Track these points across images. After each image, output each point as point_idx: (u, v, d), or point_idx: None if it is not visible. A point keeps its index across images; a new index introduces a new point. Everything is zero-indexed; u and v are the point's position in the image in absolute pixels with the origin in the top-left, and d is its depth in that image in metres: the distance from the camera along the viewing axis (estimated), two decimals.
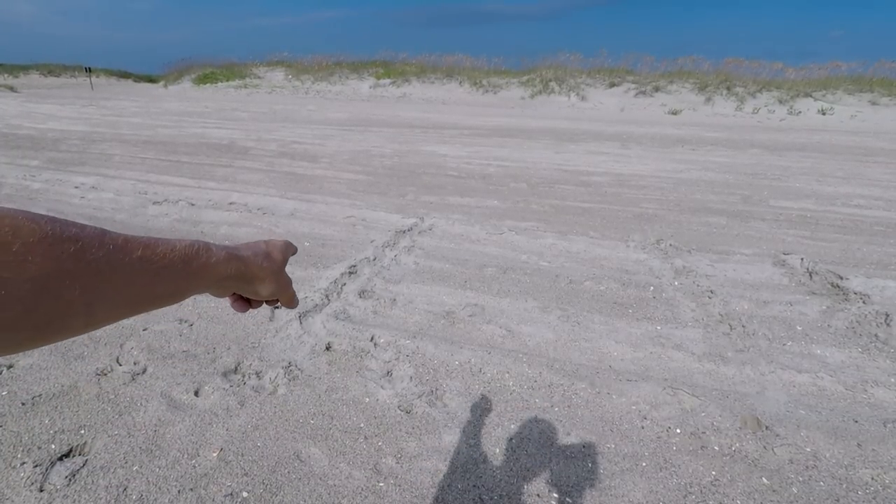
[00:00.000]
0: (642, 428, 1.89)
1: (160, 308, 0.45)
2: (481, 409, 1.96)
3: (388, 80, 20.32)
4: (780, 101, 15.48)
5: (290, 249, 0.65)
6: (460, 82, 19.40)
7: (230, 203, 4.66)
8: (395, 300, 2.84)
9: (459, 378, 2.15)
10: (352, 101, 17.97)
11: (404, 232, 3.95)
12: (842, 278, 3.20)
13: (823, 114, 14.58)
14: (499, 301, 2.86)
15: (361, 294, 2.88)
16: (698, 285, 3.12)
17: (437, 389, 2.07)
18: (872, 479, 1.68)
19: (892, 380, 2.22)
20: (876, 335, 2.58)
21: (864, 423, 1.94)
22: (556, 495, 1.59)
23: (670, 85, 16.98)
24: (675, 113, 15.40)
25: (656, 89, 16.86)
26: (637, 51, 20.68)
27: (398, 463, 1.69)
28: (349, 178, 5.80)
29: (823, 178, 6.46)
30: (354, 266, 3.22)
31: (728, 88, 16.29)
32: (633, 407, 1.99)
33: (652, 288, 3.09)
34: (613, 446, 1.80)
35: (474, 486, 1.61)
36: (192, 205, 4.58)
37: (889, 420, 1.95)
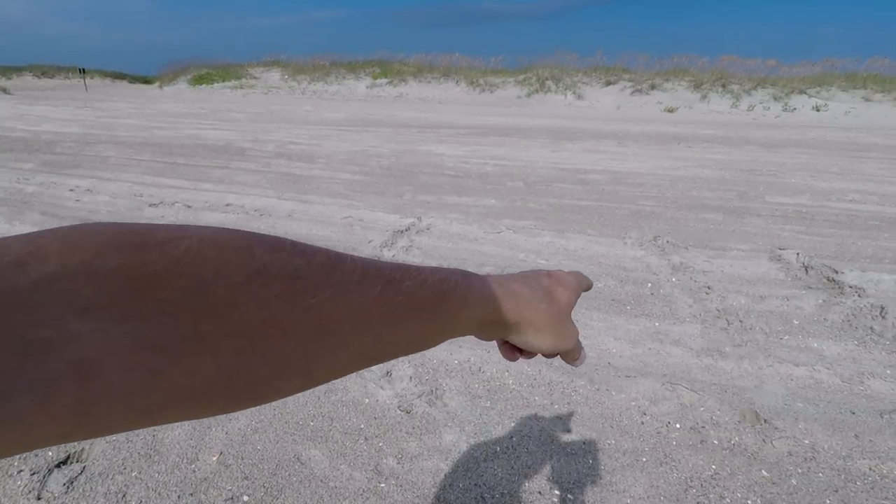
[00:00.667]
0: (642, 423, 1.90)
1: (393, 360, 0.35)
2: (481, 407, 1.97)
3: (384, 80, 20.32)
4: (775, 99, 15.54)
5: (582, 286, 0.50)
6: (457, 82, 19.41)
7: (227, 205, 4.66)
8: None
9: (459, 377, 2.16)
10: (348, 101, 17.96)
11: (402, 232, 3.95)
12: (837, 272, 3.22)
13: (818, 110, 14.63)
14: None
15: None
16: (695, 281, 3.13)
17: (436, 389, 2.08)
18: (870, 469, 1.69)
19: (888, 371, 2.23)
20: (871, 328, 2.59)
21: (861, 415, 1.95)
22: (557, 492, 1.60)
23: (666, 83, 17.02)
24: (671, 111, 15.44)
25: (652, 87, 16.90)
26: (633, 49, 20.75)
27: (399, 463, 1.69)
28: (346, 179, 5.80)
29: (818, 173, 6.49)
30: None
31: (723, 86, 16.34)
32: (633, 403, 2.00)
33: (650, 284, 3.10)
34: (613, 442, 1.81)
35: (476, 484, 1.62)
36: (189, 207, 4.57)
37: (885, 411, 1.97)
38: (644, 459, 1.73)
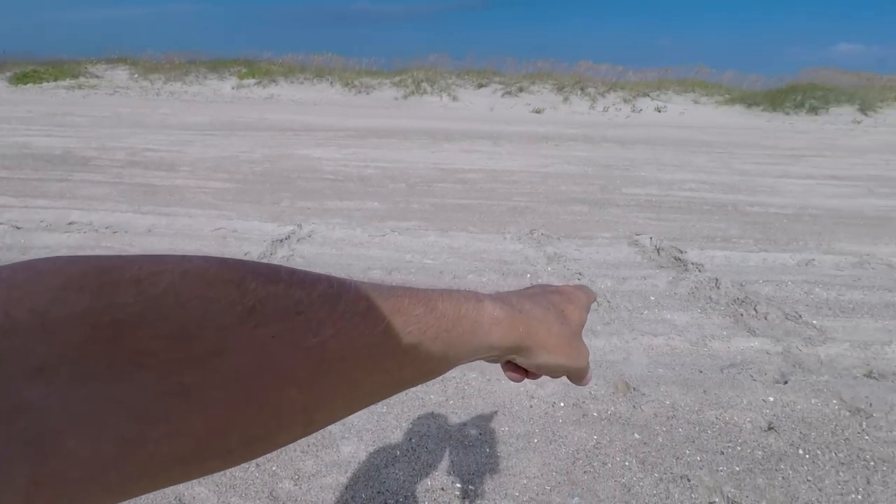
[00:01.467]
0: (531, 407, 2.02)
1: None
2: (378, 413, 1.95)
3: (252, 81, 19.22)
4: (625, 101, 17.31)
5: (591, 300, 0.47)
6: (332, 83, 18.98)
7: (69, 223, 4.10)
8: None
9: None
10: (213, 102, 16.73)
11: (282, 241, 3.78)
12: (682, 252, 3.69)
13: (659, 111, 16.59)
14: None
15: None
16: (568, 269, 3.39)
17: None
18: (717, 418, 1.97)
19: (724, 332, 2.61)
20: (710, 297, 3.01)
21: (707, 372, 2.26)
22: (459, 485, 1.64)
23: (532, 86, 18.17)
24: (538, 112, 16.52)
25: (521, 90, 17.94)
26: (501, 53, 21.85)
27: (296, 485, 1.62)
28: (215, 187, 5.40)
29: (663, 167, 7.36)
30: None
31: (582, 89, 17.84)
32: (521, 388, 2.12)
33: (529, 275, 3.30)
34: (507, 428, 1.90)
35: (378, 492, 1.60)
36: (19, 228, 3.95)
37: (724, 366, 2.30)
38: (535, 440, 1.84)
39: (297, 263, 3.36)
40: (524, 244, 3.89)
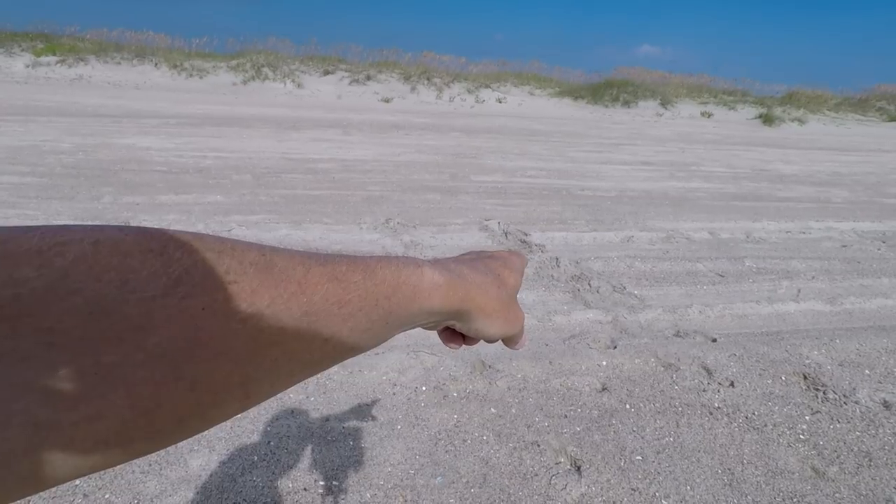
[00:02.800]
0: (394, 394, 2.04)
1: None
2: (232, 420, 1.82)
3: (53, 58, 16.30)
4: (469, 91, 18.13)
5: (524, 265, 0.48)
6: (156, 64, 16.89)
7: None
8: None
9: None
10: (0, 83, 13.89)
11: None
12: (527, 234, 4.00)
13: (500, 102, 17.68)
14: None
15: None
16: (425, 255, 3.48)
17: None
18: (561, 385, 2.18)
19: (565, 307, 2.89)
20: (552, 275, 3.32)
21: (552, 344, 2.49)
22: (322, 483, 1.60)
23: (380, 74, 18.12)
24: (387, 101, 16.55)
25: (368, 78, 17.78)
26: (346, 41, 21.37)
27: None
28: (11, 182, 4.52)
29: (506, 155, 7.88)
30: None
31: (428, 79, 18.26)
32: (384, 377, 2.13)
33: None
34: (371, 418, 1.90)
35: (235, 502, 1.50)
36: None
37: (565, 338, 2.56)
38: (399, 427, 1.87)
39: None
40: (381, 233, 3.89)
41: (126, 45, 17.57)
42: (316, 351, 0.27)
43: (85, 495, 1.48)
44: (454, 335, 0.43)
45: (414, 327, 0.35)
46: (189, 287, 0.21)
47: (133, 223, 3.66)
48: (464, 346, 0.44)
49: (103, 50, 17.00)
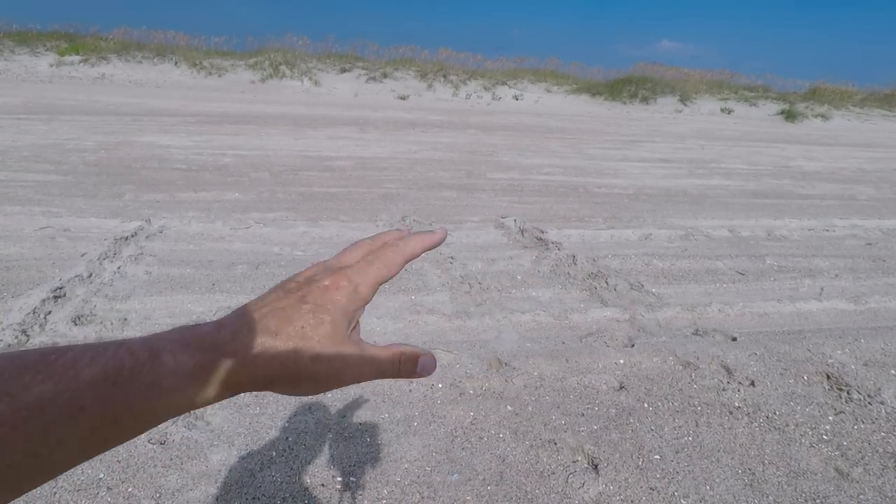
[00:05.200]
0: (410, 391, 2.04)
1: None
2: (250, 416, 1.84)
3: (77, 57, 16.63)
4: (485, 88, 18.06)
5: (381, 273, 0.40)
6: (176, 63, 17.14)
7: None
8: (125, 319, 2.42)
9: None
10: (25, 81, 14.21)
11: (127, 238, 3.36)
12: (543, 232, 3.98)
13: (517, 99, 17.58)
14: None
15: (77, 320, 2.37)
16: (441, 253, 3.48)
17: None
18: (578, 383, 2.17)
19: (582, 305, 2.87)
20: (569, 273, 3.29)
21: (568, 343, 2.47)
22: (340, 479, 1.62)
23: (396, 72, 18.14)
24: (403, 98, 16.56)
25: (385, 76, 17.81)
26: (363, 38, 21.40)
27: None
28: (37, 180, 4.62)
29: (522, 152, 7.84)
30: (61, 288, 2.62)
31: (444, 76, 18.23)
32: None
33: None
34: (387, 415, 1.90)
35: (253, 498, 1.52)
36: None
37: (582, 336, 2.54)
38: (415, 423, 1.87)
39: (149, 262, 3.02)
40: None
41: (147, 45, 17.84)
42: (27, 467, 0.25)
43: (109, 488, 1.51)
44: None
45: (180, 415, 0.31)
46: None
47: (154, 220, 3.73)
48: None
49: (125, 49, 17.30)
